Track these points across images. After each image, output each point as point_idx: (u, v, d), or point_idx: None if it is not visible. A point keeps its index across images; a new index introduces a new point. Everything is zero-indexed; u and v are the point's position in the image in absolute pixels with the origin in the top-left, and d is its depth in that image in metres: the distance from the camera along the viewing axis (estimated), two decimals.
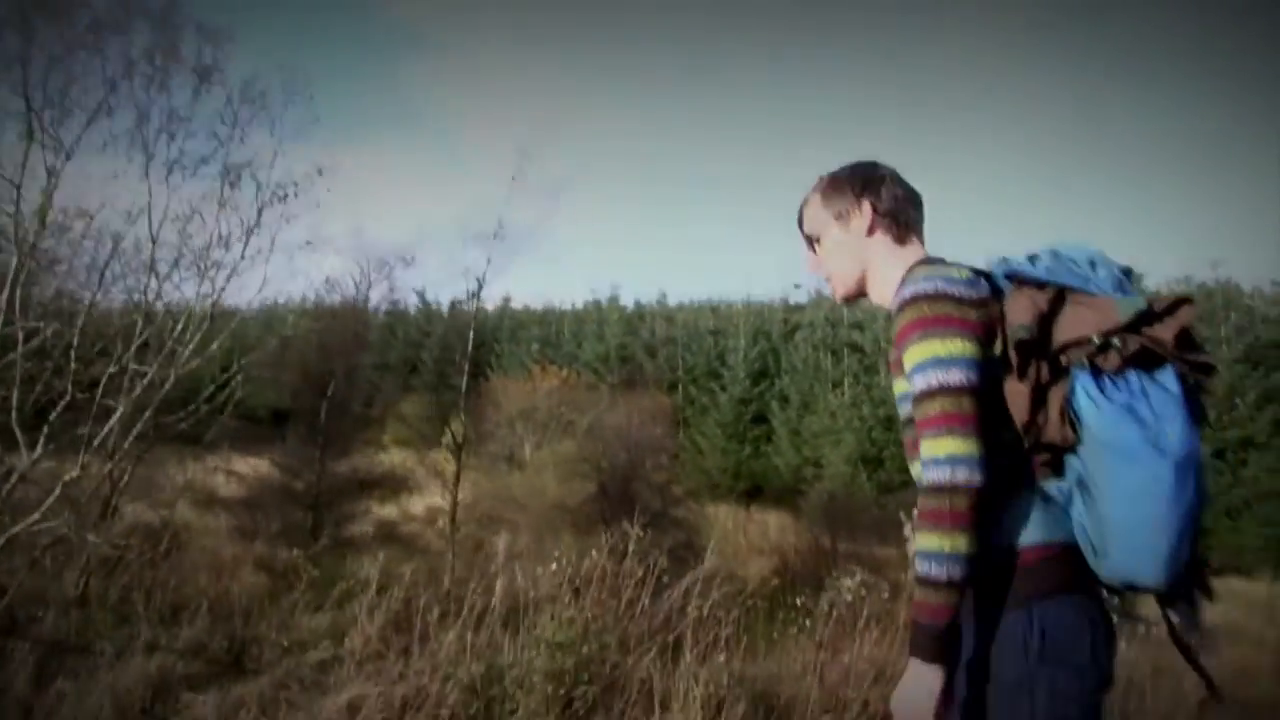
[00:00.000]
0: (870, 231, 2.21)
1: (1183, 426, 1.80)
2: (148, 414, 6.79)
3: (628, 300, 31.71)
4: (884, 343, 25.38)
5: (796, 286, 30.17)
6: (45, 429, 6.90)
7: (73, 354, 6.85)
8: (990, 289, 2.02)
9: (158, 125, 7.03)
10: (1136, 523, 1.79)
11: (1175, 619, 1.95)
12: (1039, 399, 1.89)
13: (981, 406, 1.89)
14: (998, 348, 1.95)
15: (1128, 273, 2.03)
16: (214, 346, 7.07)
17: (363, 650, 6.54)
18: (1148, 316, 1.85)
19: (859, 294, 2.28)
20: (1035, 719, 1.87)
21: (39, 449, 6.87)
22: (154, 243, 6.95)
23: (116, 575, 7.09)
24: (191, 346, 7.00)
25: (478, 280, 11.06)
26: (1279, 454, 19.36)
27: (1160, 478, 1.77)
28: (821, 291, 30.17)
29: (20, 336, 6.64)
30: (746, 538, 15.94)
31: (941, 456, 1.84)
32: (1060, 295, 1.93)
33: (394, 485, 11.86)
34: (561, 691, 6.23)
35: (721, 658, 6.51)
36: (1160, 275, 27.76)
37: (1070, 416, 1.87)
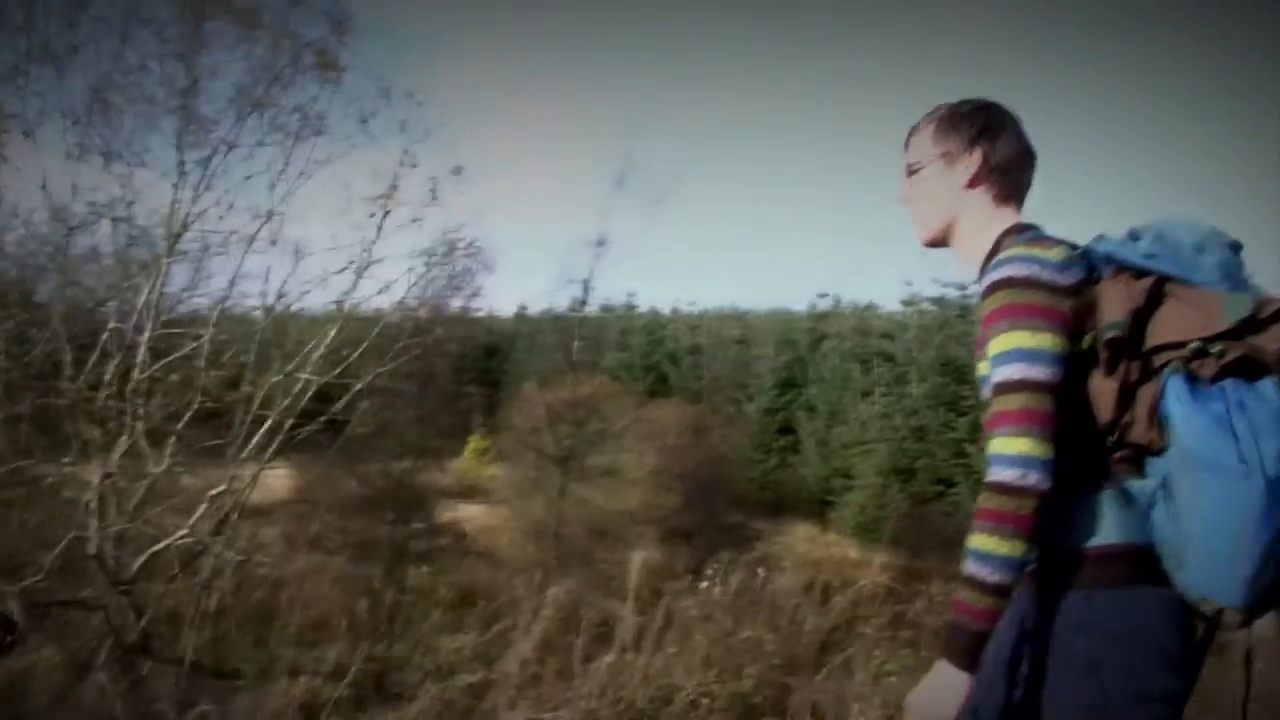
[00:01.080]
0: (974, 183, 2.06)
1: (1279, 444, 1.67)
2: (289, 422, 6.54)
3: (643, 306, 31.49)
4: (915, 353, 25.30)
5: (822, 296, 30.04)
6: (173, 438, 6.67)
7: (203, 361, 6.63)
8: (1085, 270, 1.89)
9: (293, 126, 6.73)
10: (1220, 541, 1.68)
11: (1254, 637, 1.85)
12: (1126, 398, 1.79)
13: (1061, 404, 1.79)
14: (1086, 341, 1.84)
15: (1237, 248, 1.89)
16: (354, 353, 6.82)
17: (520, 674, 6.33)
18: (1252, 323, 1.73)
19: (940, 241, 2.14)
20: (1108, 697, 1.77)
21: (166, 459, 6.64)
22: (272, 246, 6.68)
23: (247, 592, 6.85)
24: (321, 353, 6.76)
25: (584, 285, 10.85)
26: None
27: (1251, 497, 1.65)
28: (849, 300, 30.20)
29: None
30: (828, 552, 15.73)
31: (1014, 455, 1.75)
32: (1159, 286, 1.81)
33: (473, 494, 11.60)
34: (738, 716, 6.06)
35: (894, 679, 6.34)
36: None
37: (1159, 420, 1.76)
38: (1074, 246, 1.94)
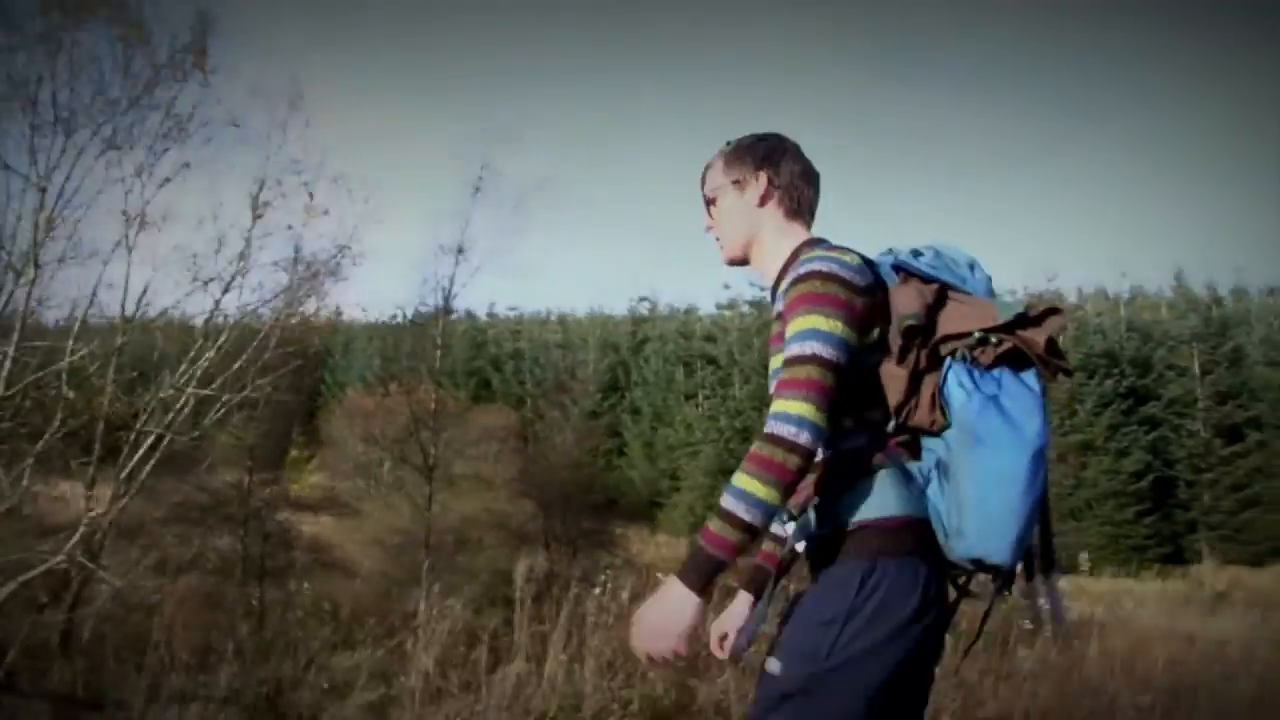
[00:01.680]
0: (762, 202, 2.32)
1: (1041, 421, 1.97)
2: (167, 438, 6.23)
3: (459, 311, 31.20)
4: (737, 355, 26.06)
5: (642, 299, 30.53)
6: (31, 458, 6.25)
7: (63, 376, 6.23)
8: (875, 277, 2.15)
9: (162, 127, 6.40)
10: (994, 505, 1.93)
11: (1026, 597, 2.16)
12: (915, 383, 2.04)
13: (841, 390, 2.00)
14: (874, 335, 2.09)
15: (989, 280, 2.23)
16: (234, 365, 6.56)
17: (423, 688, 6.22)
18: (1023, 320, 2.02)
19: (744, 260, 2.38)
20: (832, 655, 1.99)
21: (25, 478, 6.22)
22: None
23: (120, 618, 6.48)
24: (203, 365, 6.47)
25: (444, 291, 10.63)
26: (1114, 456, 21.04)
27: (1019, 465, 1.92)
28: (667, 304, 30.72)
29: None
30: (660, 553, 15.99)
31: (793, 414, 1.92)
32: (943, 291, 2.10)
33: (311, 506, 11.22)
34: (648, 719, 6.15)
35: None
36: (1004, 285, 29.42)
37: (941, 403, 2.01)
38: (865, 258, 2.18)
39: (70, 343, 6.31)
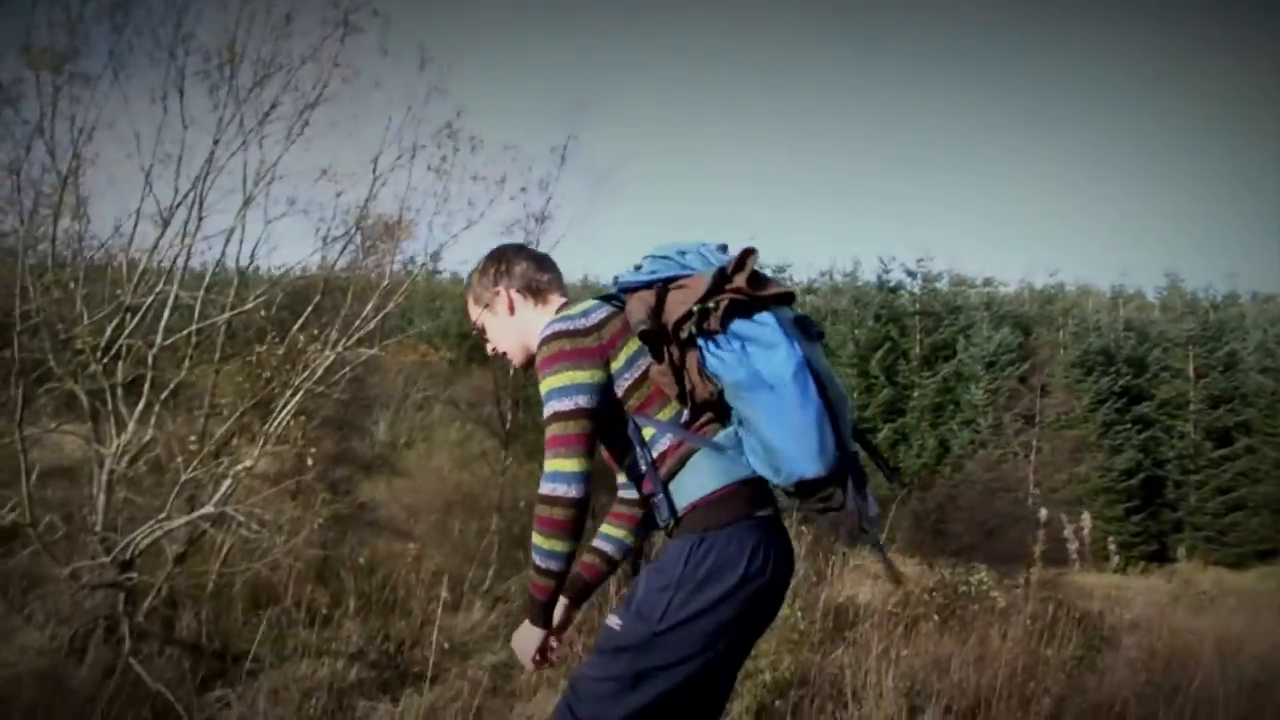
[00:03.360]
0: (512, 310, 2.69)
1: (786, 346, 2.32)
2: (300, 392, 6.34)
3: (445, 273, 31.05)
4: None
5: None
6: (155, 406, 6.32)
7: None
8: (611, 308, 2.50)
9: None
10: (788, 432, 2.28)
11: (856, 508, 2.43)
12: (679, 372, 2.38)
13: (597, 423, 2.39)
14: (629, 351, 2.44)
15: (724, 248, 2.56)
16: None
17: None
18: (723, 277, 2.37)
19: (532, 357, 2.63)
20: (665, 618, 2.36)
21: (150, 427, 6.31)
22: None
23: (247, 570, 6.61)
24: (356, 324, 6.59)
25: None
26: (1108, 453, 21.63)
27: (787, 388, 2.28)
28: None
29: None
30: None
31: (558, 472, 2.34)
32: (664, 289, 2.44)
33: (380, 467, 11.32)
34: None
35: None
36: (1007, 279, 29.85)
37: (708, 375, 2.37)
38: (603, 297, 2.55)
39: (231, 292, 6.40)
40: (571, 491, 2.33)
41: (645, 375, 2.44)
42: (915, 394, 23.23)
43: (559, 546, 2.38)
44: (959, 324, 24.07)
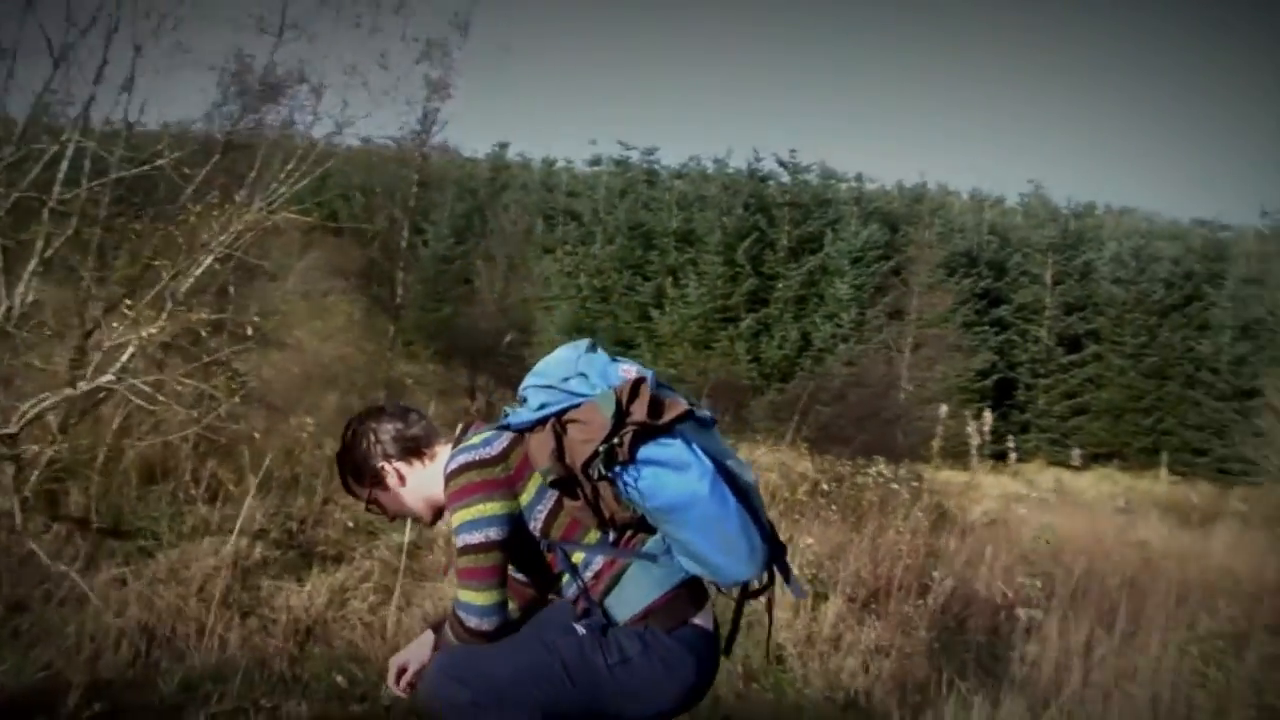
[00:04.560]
0: (403, 481, 2.57)
1: (695, 461, 2.35)
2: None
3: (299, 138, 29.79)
4: (602, 214, 26.18)
5: (502, 145, 30.01)
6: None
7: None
8: (513, 434, 2.45)
9: None
10: (715, 545, 2.35)
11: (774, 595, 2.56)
12: (597, 505, 2.39)
13: (510, 553, 2.39)
14: (538, 481, 2.41)
15: (593, 347, 2.56)
16: None
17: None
18: (621, 411, 2.37)
19: (440, 514, 2.61)
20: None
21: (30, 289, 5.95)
22: None
23: (142, 443, 6.33)
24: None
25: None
26: (966, 353, 22.53)
27: (705, 506, 2.32)
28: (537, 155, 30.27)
29: None
30: None
31: (465, 603, 2.38)
32: (560, 424, 2.40)
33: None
34: None
35: None
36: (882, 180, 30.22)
37: (626, 502, 2.38)
38: (500, 426, 2.49)
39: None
40: (484, 625, 2.37)
41: (560, 504, 2.42)
42: (780, 285, 23.62)
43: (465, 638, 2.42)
44: (827, 218, 24.43)
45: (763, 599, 2.55)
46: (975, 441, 10.52)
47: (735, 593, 2.53)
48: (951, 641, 5.55)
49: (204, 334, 6.42)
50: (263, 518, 6.40)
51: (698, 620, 2.46)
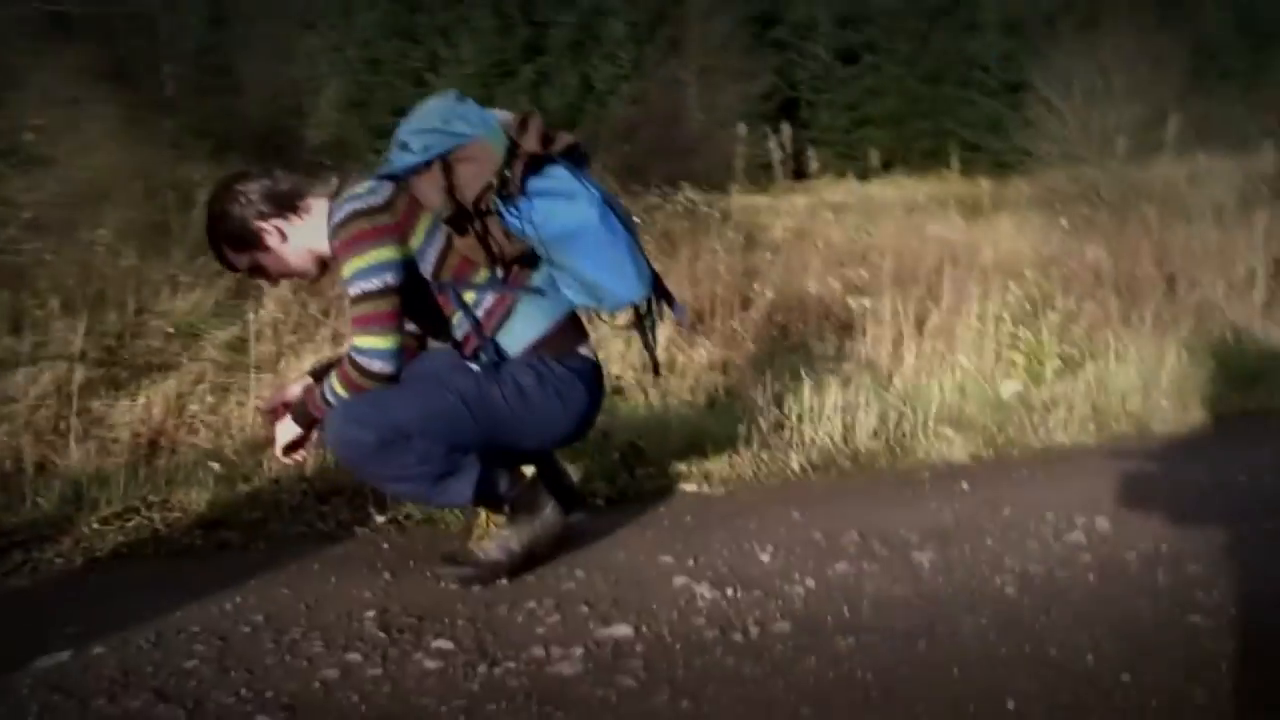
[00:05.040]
0: (284, 238, 2.52)
1: (584, 192, 2.46)
2: None
3: None
4: None
5: None
6: None
7: None
8: (395, 181, 2.45)
9: None
10: (605, 268, 2.47)
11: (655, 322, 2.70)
12: (485, 240, 2.49)
13: (403, 298, 2.39)
14: (426, 225, 2.45)
15: (462, 97, 2.57)
16: None
17: (285, 317, 6.27)
18: (513, 143, 2.42)
19: (324, 265, 2.62)
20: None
21: None
22: None
23: None
24: None
25: None
26: (746, 78, 22.69)
27: (596, 230, 2.44)
28: None
29: None
30: None
31: (364, 348, 2.37)
32: (447, 165, 2.43)
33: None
34: None
35: None
36: None
37: (513, 235, 2.48)
38: (381, 176, 2.48)
39: None
40: (387, 368, 2.38)
41: (450, 245, 2.47)
42: (554, 31, 23.11)
43: (350, 394, 2.41)
44: None
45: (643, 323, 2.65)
46: (778, 156, 10.77)
47: (618, 321, 2.71)
48: (786, 345, 5.87)
49: None
50: (77, 340, 6.17)
51: (584, 351, 2.59)
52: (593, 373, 2.60)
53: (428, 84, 23.60)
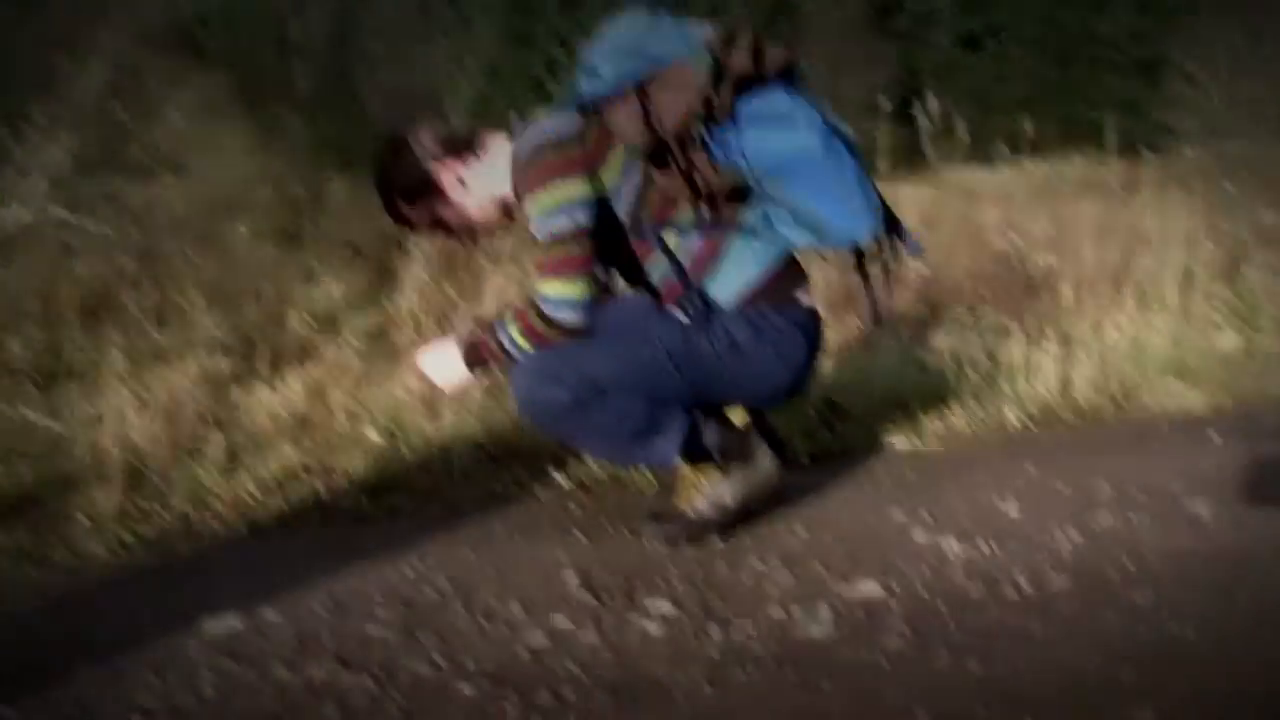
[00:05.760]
0: (463, 183, 2.28)
1: (805, 112, 2.12)
2: None
3: None
4: None
5: None
6: None
7: None
8: (580, 110, 2.17)
9: None
10: (833, 200, 2.13)
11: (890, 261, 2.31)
12: (690, 176, 2.17)
13: (594, 240, 2.12)
14: (621, 160, 2.16)
15: (679, 20, 2.25)
16: None
17: (419, 303, 6.12)
18: (719, 65, 2.11)
19: (511, 214, 2.37)
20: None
21: None
22: None
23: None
24: None
25: None
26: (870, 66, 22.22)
27: (818, 161, 2.10)
28: None
29: None
30: None
31: (553, 298, 2.09)
32: (643, 94, 2.13)
33: None
34: None
35: None
36: None
37: (721, 169, 2.15)
38: (569, 105, 2.19)
39: None
40: (578, 320, 2.10)
41: (649, 182, 2.17)
42: None
43: (530, 349, 2.13)
44: None
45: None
46: (928, 131, 10.26)
47: (848, 258, 2.33)
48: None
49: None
50: (223, 332, 6.11)
51: (803, 297, 2.26)
52: (813, 322, 2.26)
53: (546, 90, 23.65)
